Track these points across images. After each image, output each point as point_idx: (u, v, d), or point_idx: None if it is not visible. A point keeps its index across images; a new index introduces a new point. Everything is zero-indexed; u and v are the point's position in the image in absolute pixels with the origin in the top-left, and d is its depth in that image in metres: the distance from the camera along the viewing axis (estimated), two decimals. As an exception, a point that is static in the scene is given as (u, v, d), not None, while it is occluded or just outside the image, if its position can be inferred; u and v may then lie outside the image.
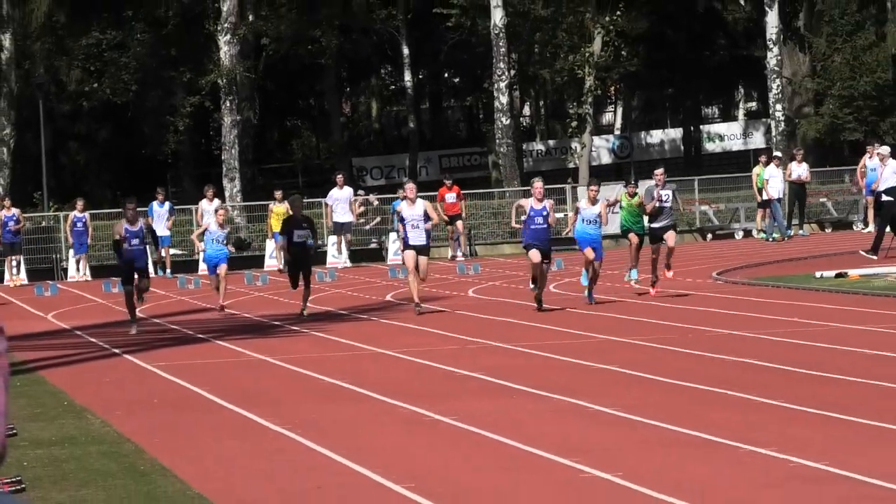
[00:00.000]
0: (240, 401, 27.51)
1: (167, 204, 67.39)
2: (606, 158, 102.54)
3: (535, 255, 31.90)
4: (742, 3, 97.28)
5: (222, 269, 40.23)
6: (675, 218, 38.04)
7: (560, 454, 18.39)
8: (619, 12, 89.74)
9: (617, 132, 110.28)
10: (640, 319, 35.75)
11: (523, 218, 35.32)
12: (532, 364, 28.59)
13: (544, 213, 32.10)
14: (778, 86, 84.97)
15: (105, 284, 61.42)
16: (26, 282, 64.28)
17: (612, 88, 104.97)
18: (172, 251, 67.07)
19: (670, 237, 34.44)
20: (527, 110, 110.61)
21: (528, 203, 32.71)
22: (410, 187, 33.06)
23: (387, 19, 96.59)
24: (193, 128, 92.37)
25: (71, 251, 67.90)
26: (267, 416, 25.02)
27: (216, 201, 56.35)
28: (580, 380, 26.08)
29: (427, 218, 32.86)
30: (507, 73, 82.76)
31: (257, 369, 34.07)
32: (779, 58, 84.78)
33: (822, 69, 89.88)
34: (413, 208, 31.97)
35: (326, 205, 69.30)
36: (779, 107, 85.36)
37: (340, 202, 67.70)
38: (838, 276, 47.38)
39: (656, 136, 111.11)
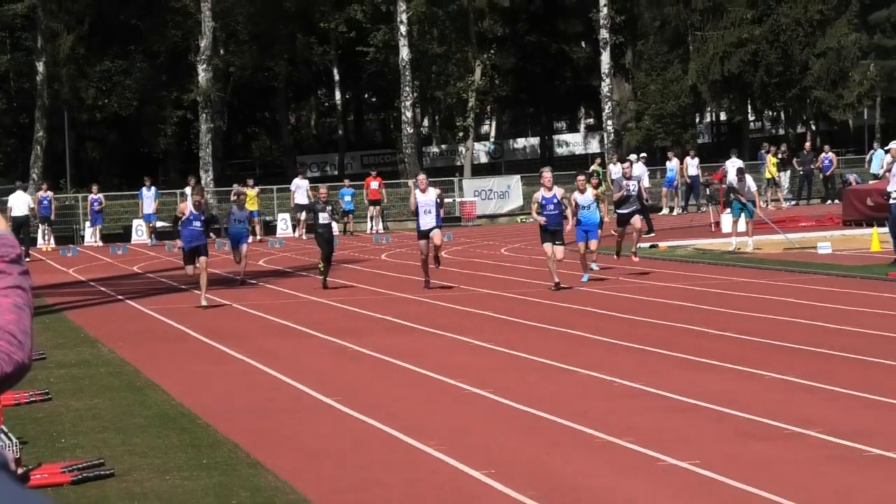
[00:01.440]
0: (213, 335, 27.90)
1: (153, 189, 66.01)
2: (484, 159, 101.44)
3: (548, 247, 28.31)
4: (583, 45, 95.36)
5: (244, 248, 35.54)
6: (639, 205, 33.44)
7: (449, 376, 18.94)
8: (493, 51, 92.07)
9: (492, 139, 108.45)
10: (514, 279, 34.84)
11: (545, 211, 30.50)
12: (429, 311, 28.66)
13: (555, 200, 28.58)
14: (609, 107, 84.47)
15: (112, 248, 61.34)
16: (54, 245, 63.20)
17: (489, 107, 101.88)
18: (159, 224, 64.09)
19: (636, 220, 31.41)
20: (426, 122, 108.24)
21: (540, 193, 29.14)
22: (422, 178, 30.75)
23: (322, 54, 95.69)
24: (179, 133, 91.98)
25: (87, 223, 67.49)
26: (233, 347, 25.49)
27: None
28: (464, 322, 26.21)
29: (438, 204, 29.93)
30: (411, 95, 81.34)
31: (226, 312, 34.03)
32: (610, 86, 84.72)
33: (641, 94, 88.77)
34: (426, 195, 29.50)
35: (291, 190, 67.01)
36: (609, 122, 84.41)
37: (301, 189, 65.83)
38: (651, 247, 47.21)
39: (520, 142, 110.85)
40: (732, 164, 55.66)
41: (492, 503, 12.38)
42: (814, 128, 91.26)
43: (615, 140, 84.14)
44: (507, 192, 73.17)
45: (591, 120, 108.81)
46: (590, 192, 30.01)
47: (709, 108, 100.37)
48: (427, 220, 28.89)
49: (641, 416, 16.26)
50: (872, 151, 63.36)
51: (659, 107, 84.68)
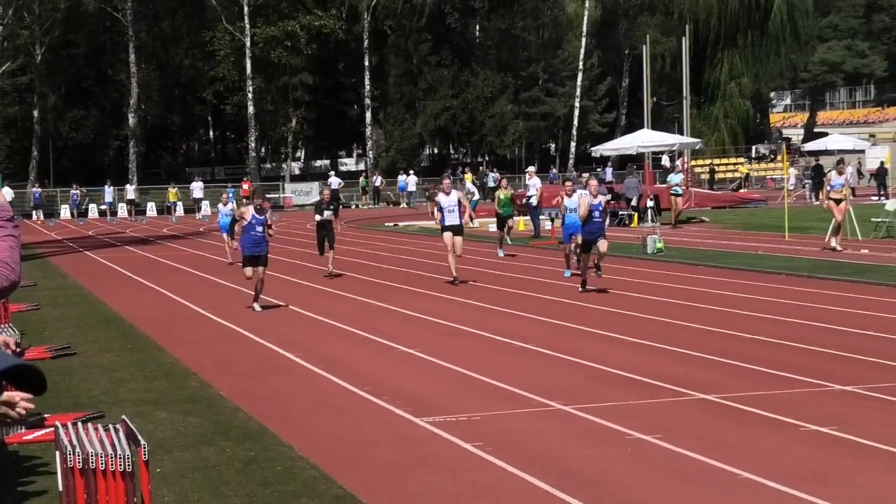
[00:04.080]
0: (137, 273, 29.74)
1: (111, 187, 68.26)
2: (297, 172, 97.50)
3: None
4: (355, 107, 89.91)
5: (227, 239, 30.46)
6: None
7: (382, 337, 16.82)
8: (303, 109, 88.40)
9: (301, 160, 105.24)
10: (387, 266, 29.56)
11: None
12: (357, 284, 24.68)
13: (454, 202, 24.57)
14: (370, 143, 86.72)
15: (78, 220, 63.42)
16: (42, 219, 64.54)
17: (300, 141, 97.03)
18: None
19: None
20: (264, 149, 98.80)
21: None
22: (447, 183, 25.89)
23: (202, 109, 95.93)
24: (117, 154, 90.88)
25: (64, 206, 69.18)
26: (147, 280, 27.46)
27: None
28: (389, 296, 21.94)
29: (460, 205, 25.22)
30: (254, 133, 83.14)
31: (147, 258, 35.47)
32: (371, 132, 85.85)
33: (388, 137, 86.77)
34: (449, 198, 24.85)
35: (190, 189, 67.36)
36: (370, 152, 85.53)
37: (197, 188, 66.23)
38: (394, 225, 49.42)
39: (318, 163, 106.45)
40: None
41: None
42: (487, 158, 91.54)
43: (374, 163, 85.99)
44: (311, 191, 73.70)
45: (360, 151, 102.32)
46: (576, 197, 24.12)
47: (427, 146, 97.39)
48: (451, 218, 24.53)
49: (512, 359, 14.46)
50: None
51: (399, 144, 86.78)
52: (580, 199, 22.80)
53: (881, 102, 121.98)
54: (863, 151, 76.69)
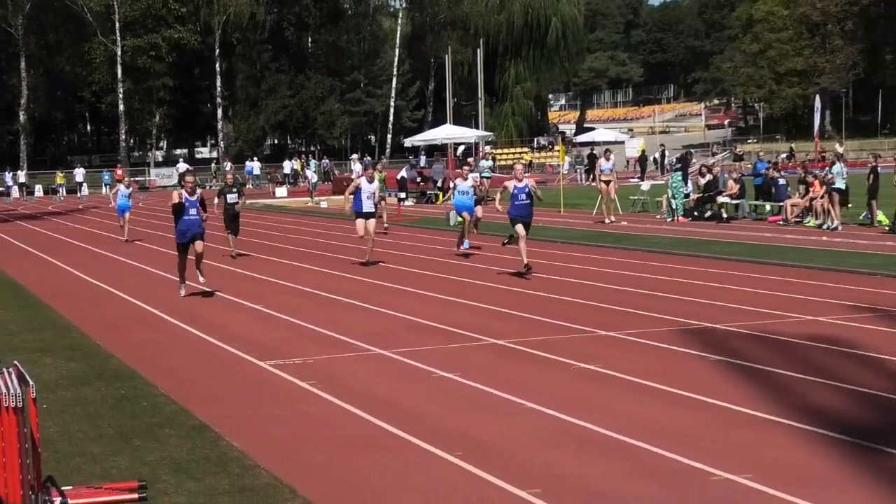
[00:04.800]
0: (35, 246, 28.07)
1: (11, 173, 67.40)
2: (160, 158, 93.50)
3: (521, 229, 18.77)
4: (209, 105, 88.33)
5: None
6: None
7: (234, 296, 16.36)
8: (165, 108, 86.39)
9: (164, 149, 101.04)
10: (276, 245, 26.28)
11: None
12: (258, 264, 21.28)
13: (526, 190, 19.02)
14: (221, 135, 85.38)
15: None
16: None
17: (163, 134, 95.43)
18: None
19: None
20: (132, 141, 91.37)
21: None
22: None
23: (79, 108, 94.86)
24: (9, 145, 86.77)
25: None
26: (41, 252, 26.30)
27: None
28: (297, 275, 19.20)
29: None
30: (124, 128, 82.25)
31: (37, 232, 34.22)
32: (223, 126, 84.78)
33: (236, 131, 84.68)
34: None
35: (73, 173, 65.85)
36: (221, 143, 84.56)
37: (79, 173, 64.75)
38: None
39: (178, 150, 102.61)
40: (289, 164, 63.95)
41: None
42: (319, 147, 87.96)
43: (224, 151, 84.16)
44: (172, 175, 69.86)
45: (213, 141, 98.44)
46: (470, 181, 23.22)
47: (269, 137, 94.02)
48: (368, 205, 20.76)
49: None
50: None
51: (245, 136, 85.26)
52: (506, 182, 19.86)
53: (637, 102, 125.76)
54: (623, 142, 77.66)
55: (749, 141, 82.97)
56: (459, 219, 24.38)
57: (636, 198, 36.60)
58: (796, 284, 17.17)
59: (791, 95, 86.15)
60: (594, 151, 56.62)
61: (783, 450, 8.04)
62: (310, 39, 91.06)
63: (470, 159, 26.11)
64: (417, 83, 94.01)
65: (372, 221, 21.43)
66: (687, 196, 32.05)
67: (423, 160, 57.14)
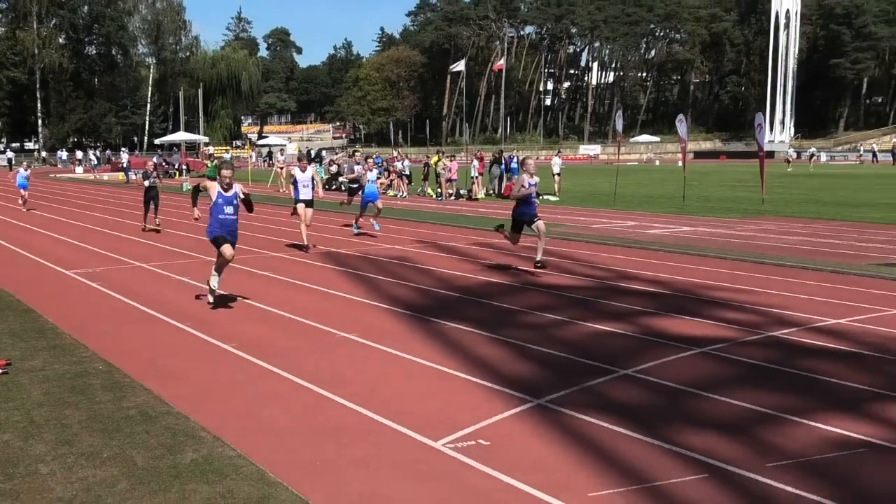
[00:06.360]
0: (20, 245, 19.05)
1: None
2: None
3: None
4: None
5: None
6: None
7: (143, 263, 15.47)
8: None
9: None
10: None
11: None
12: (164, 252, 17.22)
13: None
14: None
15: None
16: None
17: None
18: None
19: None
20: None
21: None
22: (304, 163, 19.01)
23: (44, 101, 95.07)
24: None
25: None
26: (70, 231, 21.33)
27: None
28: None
29: (313, 181, 18.55)
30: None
31: (31, 213, 27.68)
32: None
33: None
34: (304, 175, 18.86)
35: (60, 158, 66.25)
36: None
37: (62, 157, 66.01)
38: (56, 176, 47.81)
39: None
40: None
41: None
42: (102, 143, 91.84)
43: (42, 145, 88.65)
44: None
45: (36, 139, 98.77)
46: (375, 172, 21.00)
47: (71, 137, 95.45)
48: (305, 193, 18.34)
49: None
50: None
51: (56, 137, 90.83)
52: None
53: (293, 122, 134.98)
54: (286, 145, 78.72)
55: (357, 146, 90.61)
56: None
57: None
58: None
59: (379, 122, 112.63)
60: (272, 150, 60.99)
61: (376, 319, 9.65)
62: (96, 80, 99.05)
63: (370, 160, 23.98)
64: (162, 107, 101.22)
65: (310, 209, 17.41)
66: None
67: (169, 154, 61.03)
